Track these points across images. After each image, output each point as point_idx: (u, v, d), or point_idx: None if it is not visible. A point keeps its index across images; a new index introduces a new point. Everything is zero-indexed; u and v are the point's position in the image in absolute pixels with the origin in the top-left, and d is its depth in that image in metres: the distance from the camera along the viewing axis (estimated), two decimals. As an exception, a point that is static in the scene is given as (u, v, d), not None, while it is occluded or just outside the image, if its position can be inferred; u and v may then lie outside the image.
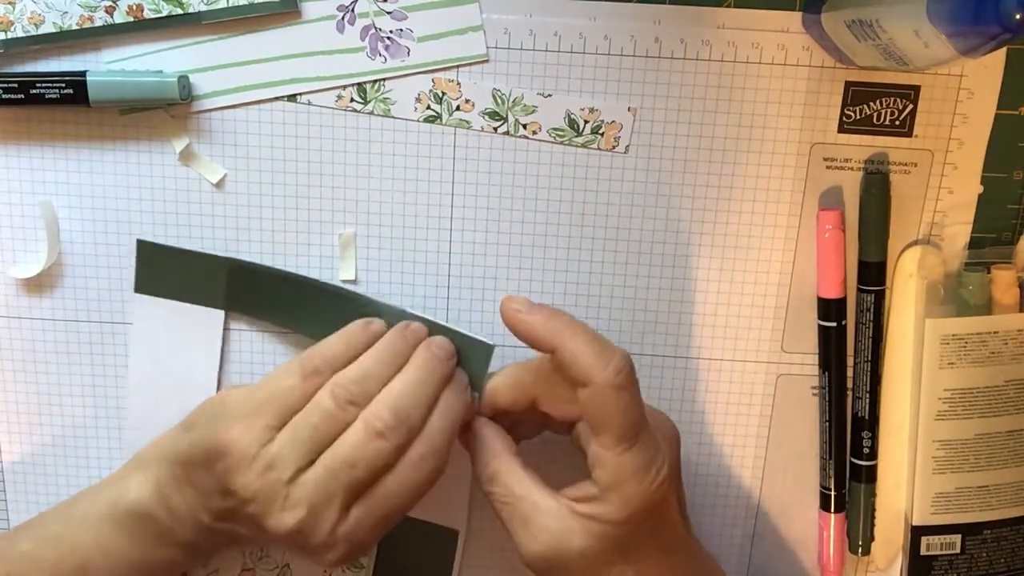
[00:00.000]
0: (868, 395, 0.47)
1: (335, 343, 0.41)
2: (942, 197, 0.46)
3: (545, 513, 0.39)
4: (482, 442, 0.41)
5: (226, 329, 0.47)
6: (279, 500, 0.37)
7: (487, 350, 0.42)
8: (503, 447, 0.41)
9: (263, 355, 0.48)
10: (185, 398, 0.44)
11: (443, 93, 0.44)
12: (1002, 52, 0.43)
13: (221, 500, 0.39)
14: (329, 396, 0.38)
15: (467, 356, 0.42)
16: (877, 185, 0.45)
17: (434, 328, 0.42)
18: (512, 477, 0.40)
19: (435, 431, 0.39)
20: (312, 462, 0.38)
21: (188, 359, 0.47)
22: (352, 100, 0.44)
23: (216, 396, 0.42)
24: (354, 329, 0.41)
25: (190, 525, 0.40)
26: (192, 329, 0.47)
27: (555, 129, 0.45)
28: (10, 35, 0.43)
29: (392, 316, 0.43)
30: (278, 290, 0.46)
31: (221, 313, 0.47)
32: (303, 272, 0.46)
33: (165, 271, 0.46)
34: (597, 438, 0.38)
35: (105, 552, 0.41)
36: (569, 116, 0.45)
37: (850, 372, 0.47)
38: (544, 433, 0.44)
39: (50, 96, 0.43)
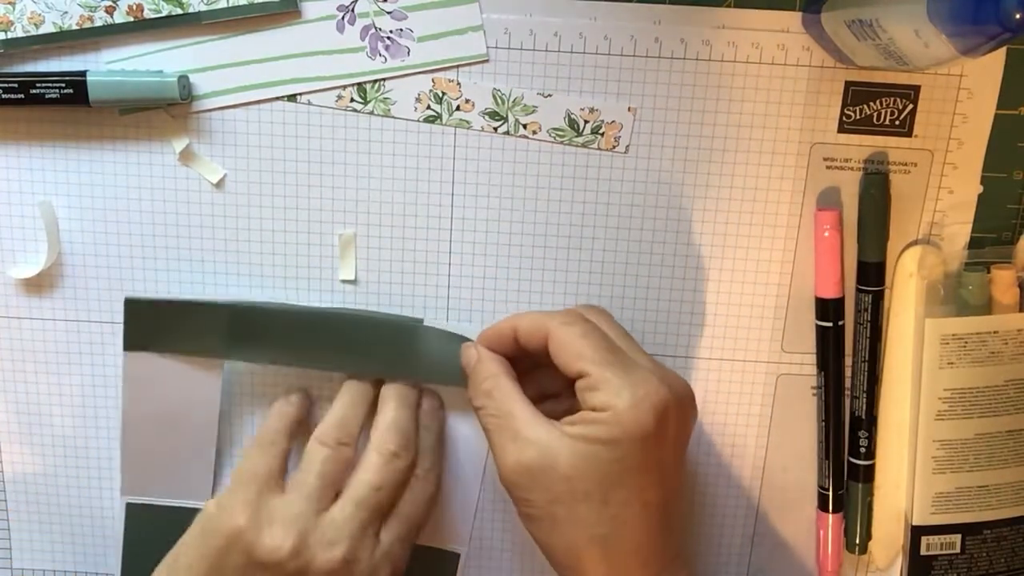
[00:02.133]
0: (865, 395, 0.47)
1: (271, 418, 0.45)
2: (942, 197, 0.46)
3: (536, 429, 0.40)
4: (483, 361, 0.43)
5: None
6: (317, 545, 0.40)
7: None
8: (504, 370, 0.42)
9: (264, 388, 0.48)
10: (183, 444, 0.45)
11: (443, 93, 0.44)
12: (1002, 52, 0.44)
13: (264, 573, 0.40)
14: (319, 444, 0.43)
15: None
16: (877, 185, 0.45)
17: (436, 334, 0.45)
18: (508, 395, 0.41)
19: (432, 444, 0.46)
20: (326, 507, 0.41)
21: (186, 410, 0.47)
22: (352, 100, 0.44)
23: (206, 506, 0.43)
24: (282, 405, 0.46)
25: None
26: (190, 379, 0.46)
27: (555, 129, 0.45)
28: (10, 35, 0.43)
29: (399, 330, 0.46)
30: (281, 329, 0.45)
31: (220, 362, 0.46)
32: (303, 272, 0.46)
33: (158, 325, 0.45)
34: (582, 368, 0.40)
35: None
36: (569, 116, 0.45)
37: (849, 372, 0.47)
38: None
39: (50, 96, 0.43)
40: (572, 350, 0.40)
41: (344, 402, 0.45)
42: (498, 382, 0.42)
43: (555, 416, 0.41)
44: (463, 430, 0.48)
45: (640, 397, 0.39)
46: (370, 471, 0.42)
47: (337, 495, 0.42)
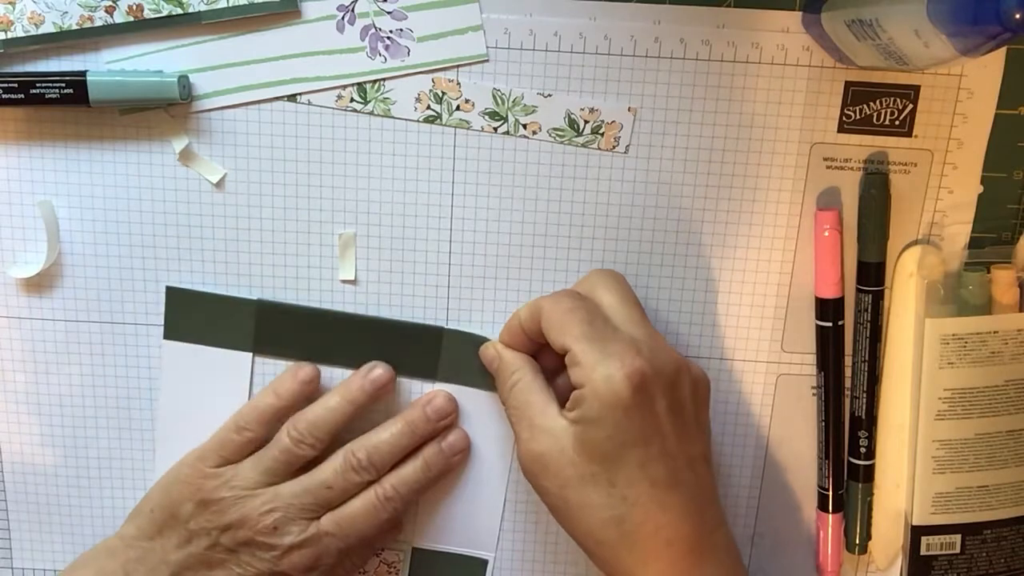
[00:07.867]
0: (865, 395, 0.47)
1: (263, 396, 0.46)
2: (942, 197, 0.46)
3: (549, 420, 0.41)
4: (504, 359, 0.44)
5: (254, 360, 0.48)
6: (255, 506, 0.44)
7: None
8: (525, 363, 0.44)
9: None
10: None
11: (443, 93, 0.44)
12: (1002, 52, 0.44)
13: (207, 511, 0.44)
14: (286, 434, 0.45)
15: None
16: (877, 185, 0.45)
17: (458, 337, 0.46)
18: (528, 387, 0.43)
19: (413, 478, 0.46)
20: (275, 482, 0.45)
21: (215, 403, 0.47)
22: (352, 100, 0.44)
23: None
24: (284, 377, 0.46)
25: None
26: (221, 372, 0.47)
27: (555, 129, 0.45)
28: (10, 35, 0.43)
29: (422, 334, 0.46)
30: (306, 327, 0.47)
31: (249, 355, 0.47)
32: (303, 272, 0.47)
33: (194, 316, 0.47)
34: (564, 343, 0.41)
35: None
36: (569, 116, 0.45)
37: (849, 372, 0.47)
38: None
39: (50, 96, 0.43)
40: (557, 326, 0.41)
41: (325, 404, 0.45)
42: (521, 376, 0.43)
43: None
44: (488, 434, 0.48)
45: (614, 368, 0.39)
46: (328, 471, 0.45)
47: (295, 474, 0.45)
